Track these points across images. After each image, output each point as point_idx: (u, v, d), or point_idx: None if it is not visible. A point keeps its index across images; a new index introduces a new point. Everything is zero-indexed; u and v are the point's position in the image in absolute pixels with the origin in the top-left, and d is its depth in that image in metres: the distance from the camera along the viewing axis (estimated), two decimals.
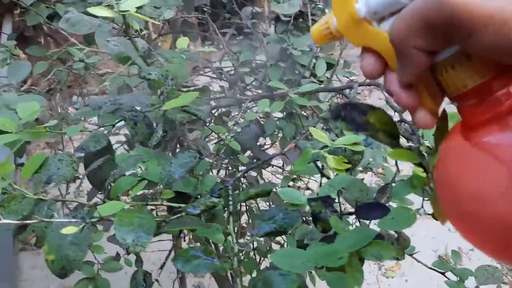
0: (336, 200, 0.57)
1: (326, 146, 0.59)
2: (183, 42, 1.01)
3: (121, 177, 0.65)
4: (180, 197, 0.67)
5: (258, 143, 1.40)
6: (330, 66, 1.24)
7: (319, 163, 0.61)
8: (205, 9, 1.52)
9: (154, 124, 0.74)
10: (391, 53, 0.29)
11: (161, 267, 0.69)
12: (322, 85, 1.22)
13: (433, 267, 0.93)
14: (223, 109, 1.34)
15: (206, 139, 1.28)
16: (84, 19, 0.83)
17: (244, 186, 1.35)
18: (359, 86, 0.80)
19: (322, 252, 0.50)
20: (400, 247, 0.71)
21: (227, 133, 0.94)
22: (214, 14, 1.62)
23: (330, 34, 0.32)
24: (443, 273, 0.91)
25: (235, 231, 0.58)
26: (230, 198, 0.59)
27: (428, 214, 0.62)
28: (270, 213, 0.57)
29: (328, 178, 0.60)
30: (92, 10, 0.68)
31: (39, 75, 1.29)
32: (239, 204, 1.20)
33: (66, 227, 0.53)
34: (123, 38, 0.86)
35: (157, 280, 0.65)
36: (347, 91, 0.89)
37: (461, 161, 0.29)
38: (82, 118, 1.01)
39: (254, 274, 1.37)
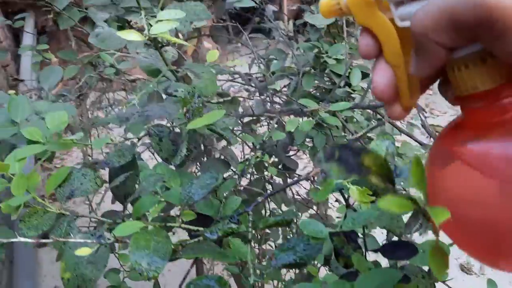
0: (361, 235, 0.54)
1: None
2: (213, 55, 0.99)
3: (142, 196, 0.64)
4: (202, 219, 0.66)
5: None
6: (365, 75, 1.20)
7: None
8: (231, 12, 1.50)
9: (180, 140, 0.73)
10: (390, 43, 0.30)
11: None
12: (354, 98, 1.18)
13: None
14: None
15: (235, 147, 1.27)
16: (113, 34, 0.83)
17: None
18: None
19: None
20: (432, 281, 0.67)
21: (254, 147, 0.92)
22: (239, 16, 1.60)
23: (339, 9, 0.32)
24: None
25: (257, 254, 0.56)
26: (250, 225, 0.57)
27: None
28: (290, 243, 0.55)
29: (354, 210, 0.57)
30: (121, 33, 0.68)
31: (69, 78, 1.30)
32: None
33: (80, 248, 0.52)
34: (153, 50, 0.85)
35: None
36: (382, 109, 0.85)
37: (455, 166, 0.30)
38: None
39: (276, 283, 1.35)
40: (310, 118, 0.86)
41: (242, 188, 1.12)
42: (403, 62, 0.31)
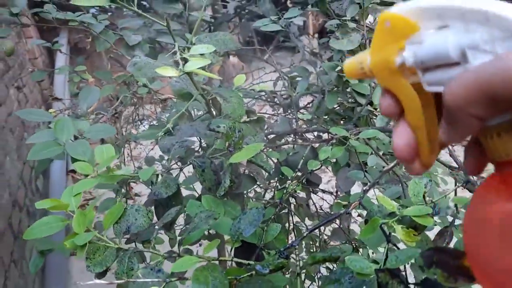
0: (403, 271, 0.59)
1: (393, 213, 0.61)
2: (240, 79, 1.04)
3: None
4: (247, 246, 0.71)
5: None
6: None
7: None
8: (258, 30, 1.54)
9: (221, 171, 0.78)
10: (411, 106, 0.31)
11: None
12: (376, 116, 1.22)
13: None
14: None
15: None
16: (149, 63, 0.88)
17: (292, 206, 1.38)
18: None
19: None
20: None
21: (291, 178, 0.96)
22: (265, 35, 1.65)
23: (362, 71, 0.32)
24: None
25: None
26: (298, 261, 0.61)
27: None
28: (336, 274, 0.60)
29: (396, 246, 0.61)
30: (159, 70, 0.72)
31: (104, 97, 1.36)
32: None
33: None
34: (185, 74, 0.90)
35: None
36: None
37: (494, 229, 0.28)
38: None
39: None
40: (338, 144, 0.90)
41: (267, 202, 1.17)
42: (424, 124, 0.31)
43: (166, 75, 0.74)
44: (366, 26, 1.10)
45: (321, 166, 1.48)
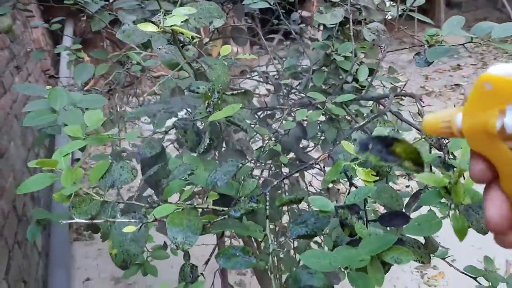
0: (363, 208, 0.63)
1: (356, 158, 0.65)
2: (226, 49, 1.08)
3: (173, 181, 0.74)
4: (224, 198, 0.76)
5: (301, 146, 1.46)
6: (371, 71, 1.28)
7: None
8: (254, 15, 1.59)
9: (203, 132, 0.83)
10: (509, 173, 0.29)
11: (206, 263, 0.77)
12: (361, 93, 1.26)
13: (465, 272, 0.96)
14: (268, 112, 1.41)
15: (251, 140, 1.36)
16: (137, 30, 0.92)
17: (286, 186, 1.42)
18: (394, 96, 0.84)
19: (346, 254, 0.56)
20: (428, 251, 0.75)
21: (268, 137, 1.01)
22: (263, 20, 1.69)
23: (449, 131, 0.31)
24: (475, 278, 0.95)
25: (277, 230, 0.65)
26: (267, 203, 0.66)
27: None
28: (302, 217, 0.64)
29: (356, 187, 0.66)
30: (140, 25, 0.77)
31: (100, 76, 1.41)
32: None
33: (127, 227, 0.62)
34: (174, 46, 0.94)
35: (202, 274, 0.73)
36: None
37: None
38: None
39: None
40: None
41: (262, 180, 1.21)
42: None
43: (147, 30, 0.78)
44: (350, 2, 1.14)
45: (314, 147, 1.53)
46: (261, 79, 1.48)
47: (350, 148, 0.66)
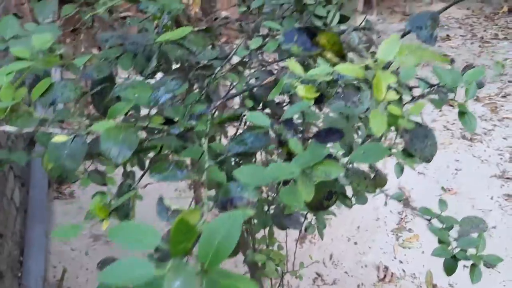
0: (299, 125, 0.61)
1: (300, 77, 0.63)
2: None
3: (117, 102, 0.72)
4: (170, 122, 0.73)
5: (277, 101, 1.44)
6: (342, 18, 1.25)
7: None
8: None
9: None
10: None
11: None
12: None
13: (421, 214, 0.96)
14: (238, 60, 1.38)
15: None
16: None
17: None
18: (353, 30, 0.82)
19: (278, 168, 0.55)
20: (375, 183, 0.74)
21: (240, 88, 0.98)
22: None
23: None
24: (429, 220, 0.95)
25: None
26: (208, 123, 0.64)
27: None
28: (241, 136, 0.62)
29: None
30: None
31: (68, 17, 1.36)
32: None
33: (57, 136, 0.60)
34: None
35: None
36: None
37: None
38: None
39: None
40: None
41: None
42: None
43: None
44: None
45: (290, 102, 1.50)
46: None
47: (295, 67, 0.64)
